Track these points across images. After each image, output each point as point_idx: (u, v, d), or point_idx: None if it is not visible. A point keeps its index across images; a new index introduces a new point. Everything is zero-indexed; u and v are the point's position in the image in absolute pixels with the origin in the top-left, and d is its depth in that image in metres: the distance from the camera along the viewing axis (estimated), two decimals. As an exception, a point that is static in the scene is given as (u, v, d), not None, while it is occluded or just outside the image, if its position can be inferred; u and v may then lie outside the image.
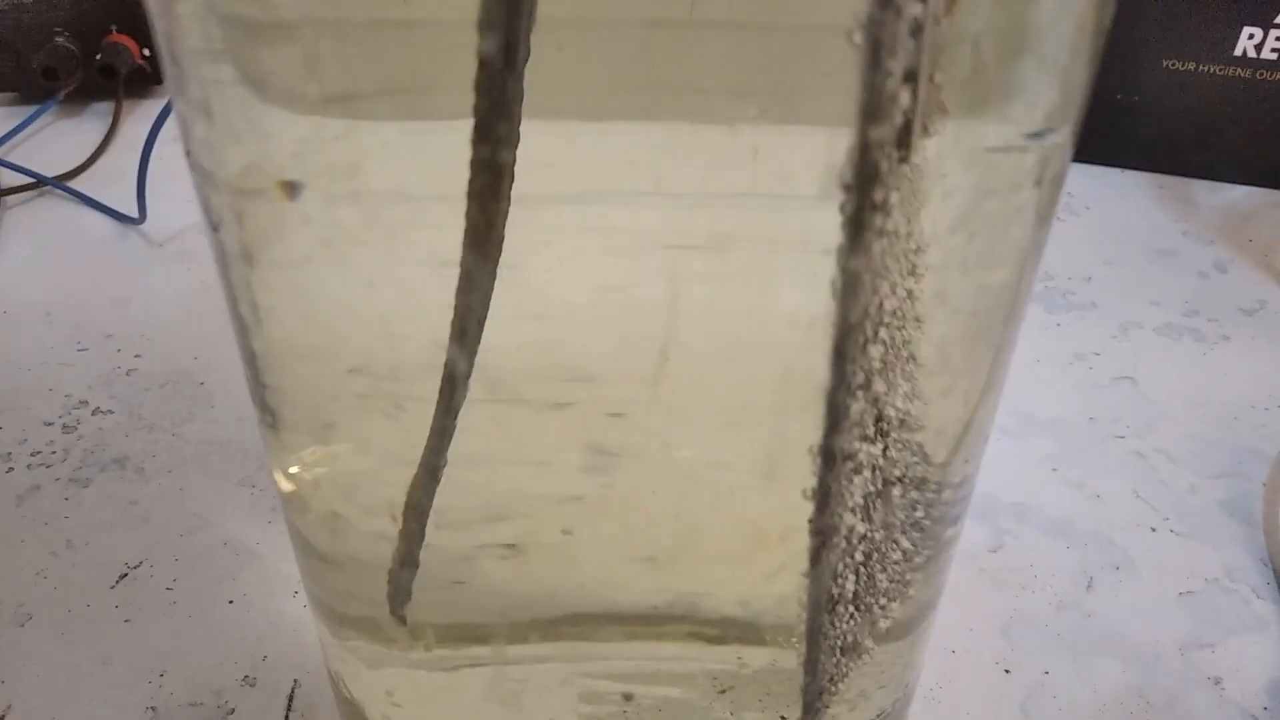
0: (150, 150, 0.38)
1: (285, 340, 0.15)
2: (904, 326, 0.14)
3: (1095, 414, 0.33)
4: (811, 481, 0.15)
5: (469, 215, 0.12)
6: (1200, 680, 0.25)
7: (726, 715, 0.19)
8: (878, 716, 0.20)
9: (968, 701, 0.25)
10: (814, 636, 0.17)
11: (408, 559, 0.17)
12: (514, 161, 0.12)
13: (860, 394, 0.15)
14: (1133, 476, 0.31)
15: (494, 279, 0.13)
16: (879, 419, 0.15)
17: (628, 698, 0.18)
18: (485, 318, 0.13)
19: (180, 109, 0.14)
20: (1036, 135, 0.14)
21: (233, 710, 0.24)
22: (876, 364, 0.14)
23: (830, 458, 0.15)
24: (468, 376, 0.14)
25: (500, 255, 0.13)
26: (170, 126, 0.39)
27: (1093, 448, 0.32)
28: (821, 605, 0.17)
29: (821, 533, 0.16)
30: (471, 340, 0.14)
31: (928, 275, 0.14)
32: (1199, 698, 0.25)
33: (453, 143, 0.12)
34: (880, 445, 0.16)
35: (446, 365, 0.14)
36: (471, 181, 0.12)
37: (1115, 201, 0.43)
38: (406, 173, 0.13)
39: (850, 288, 0.14)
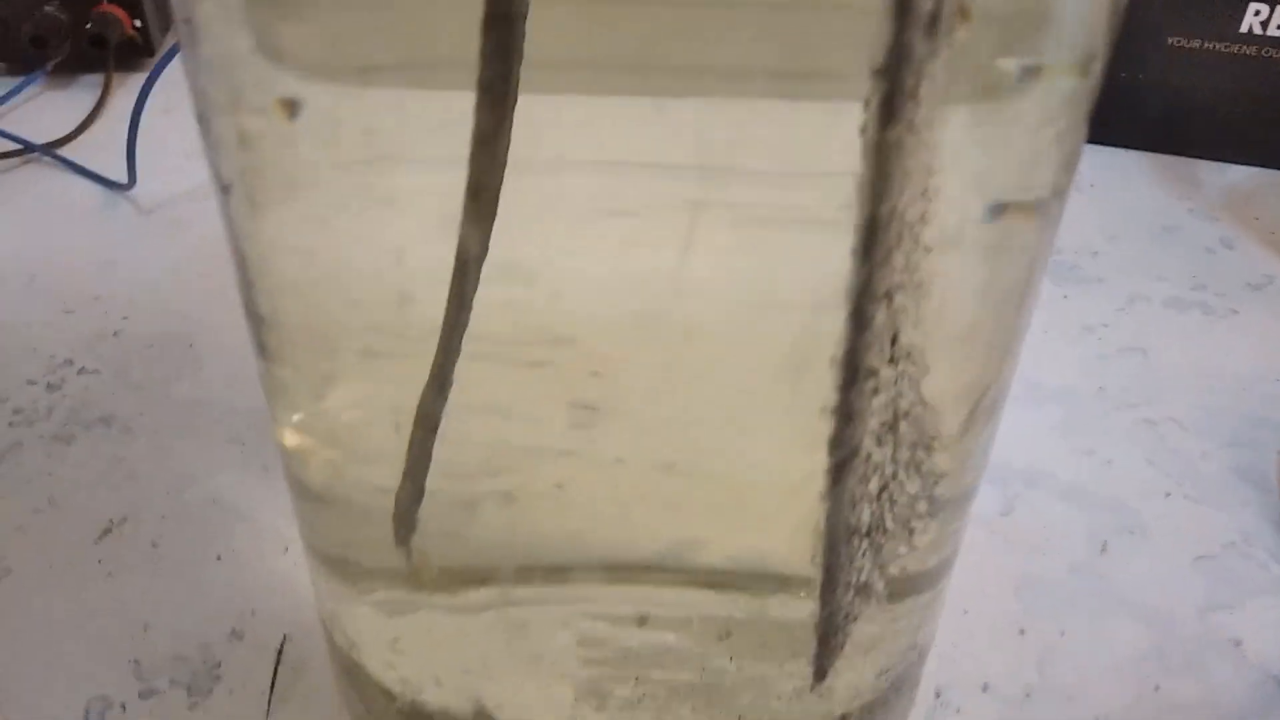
0: (140, 114, 0.37)
1: (293, 293, 0.15)
2: (919, 245, 0.14)
3: (1104, 384, 0.32)
4: (819, 407, 0.15)
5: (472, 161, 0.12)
6: (1220, 642, 0.25)
7: (726, 662, 0.18)
8: (887, 672, 0.20)
9: (983, 661, 0.24)
10: (831, 567, 0.17)
11: (413, 488, 0.16)
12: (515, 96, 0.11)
13: (884, 304, 0.14)
14: (1144, 444, 0.30)
15: (488, 232, 0.13)
16: (894, 341, 0.15)
17: (642, 622, 0.17)
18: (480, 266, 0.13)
19: (192, 68, 0.14)
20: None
21: (219, 664, 0.23)
22: (897, 276, 0.14)
23: (854, 371, 0.15)
24: (464, 326, 0.14)
25: (495, 208, 0.12)
26: (159, 95, 0.38)
27: (1103, 416, 0.31)
28: (839, 533, 0.16)
29: (841, 451, 0.15)
30: (469, 291, 0.13)
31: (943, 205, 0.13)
32: (1219, 659, 0.24)
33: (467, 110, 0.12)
34: (894, 370, 0.15)
35: (446, 314, 0.13)
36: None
37: (1119, 180, 0.43)
38: (419, 137, 0.13)
39: (881, 176, 0.13)
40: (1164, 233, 0.40)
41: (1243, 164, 0.44)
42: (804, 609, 0.18)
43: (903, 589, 0.18)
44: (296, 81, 0.13)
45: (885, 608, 0.18)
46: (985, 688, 0.23)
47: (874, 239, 0.13)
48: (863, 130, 0.12)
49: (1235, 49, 0.41)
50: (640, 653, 0.18)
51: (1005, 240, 0.15)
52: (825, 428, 0.15)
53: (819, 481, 0.16)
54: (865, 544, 0.17)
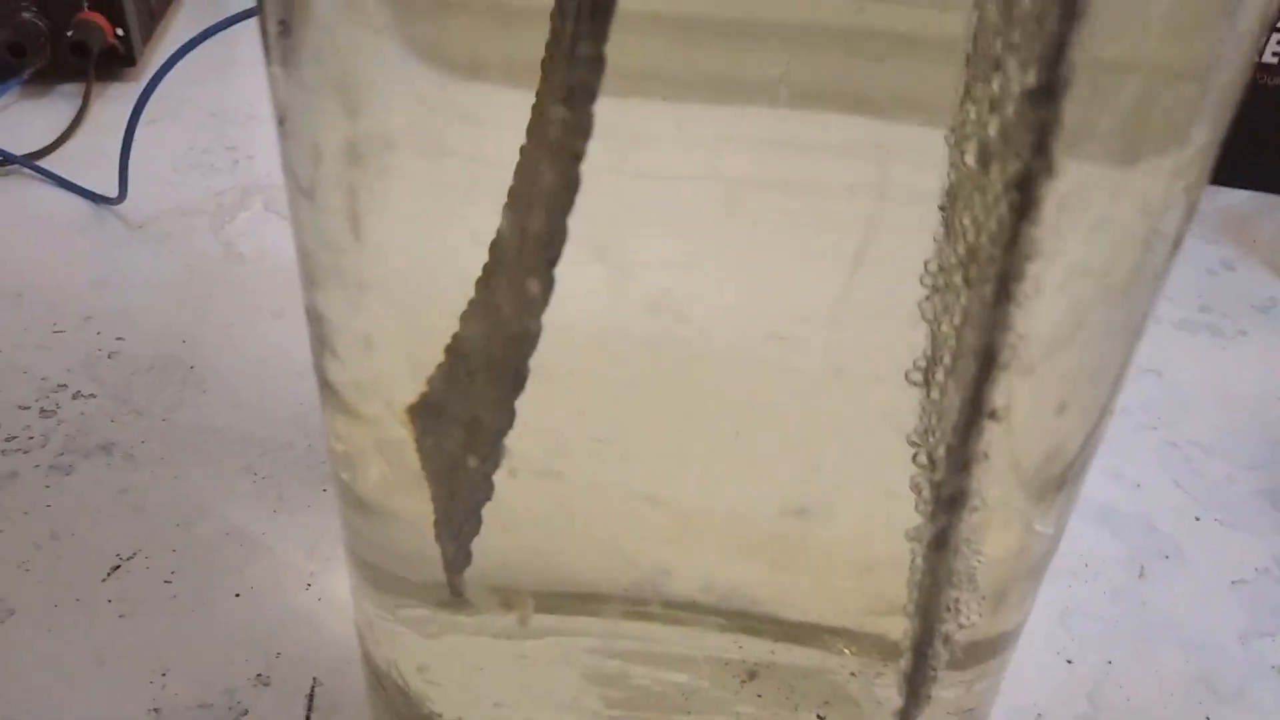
0: (135, 126, 0.36)
1: (376, 297, 0.15)
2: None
3: (1124, 404, 0.32)
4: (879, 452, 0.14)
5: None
6: (1265, 669, 0.24)
7: (757, 709, 0.18)
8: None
9: (1033, 693, 0.23)
10: (928, 617, 0.16)
11: (469, 518, 0.16)
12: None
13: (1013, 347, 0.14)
14: (1169, 466, 0.30)
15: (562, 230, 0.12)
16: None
17: (660, 661, 0.17)
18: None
19: (285, 82, 0.13)
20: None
21: (246, 711, 0.22)
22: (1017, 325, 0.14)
23: (976, 412, 0.14)
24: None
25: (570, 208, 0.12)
26: (148, 107, 0.37)
27: (1126, 438, 0.31)
28: (940, 582, 0.16)
29: (954, 499, 0.15)
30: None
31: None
32: (1266, 687, 0.24)
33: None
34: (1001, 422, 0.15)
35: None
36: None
37: (1117, 202, 0.43)
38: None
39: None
40: (1166, 254, 0.40)
41: (1237, 188, 0.44)
42: (829, 660, 0.17)
43: (981, 652, 0.18)
44: (421, 79, 0.12)
45: (962, 671, 0.18)
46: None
47: (1008, 281, 0.13)
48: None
49: (1233, 72, 0.41)
50: (663, 694, 0.17)
51: (1127, 289, 0.15)
52: (891, 476, 0.14)
53: (877, 534, 0.16)
54: (955, 594, 0.17)
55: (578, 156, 0.12)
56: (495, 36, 0.12)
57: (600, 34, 0.11)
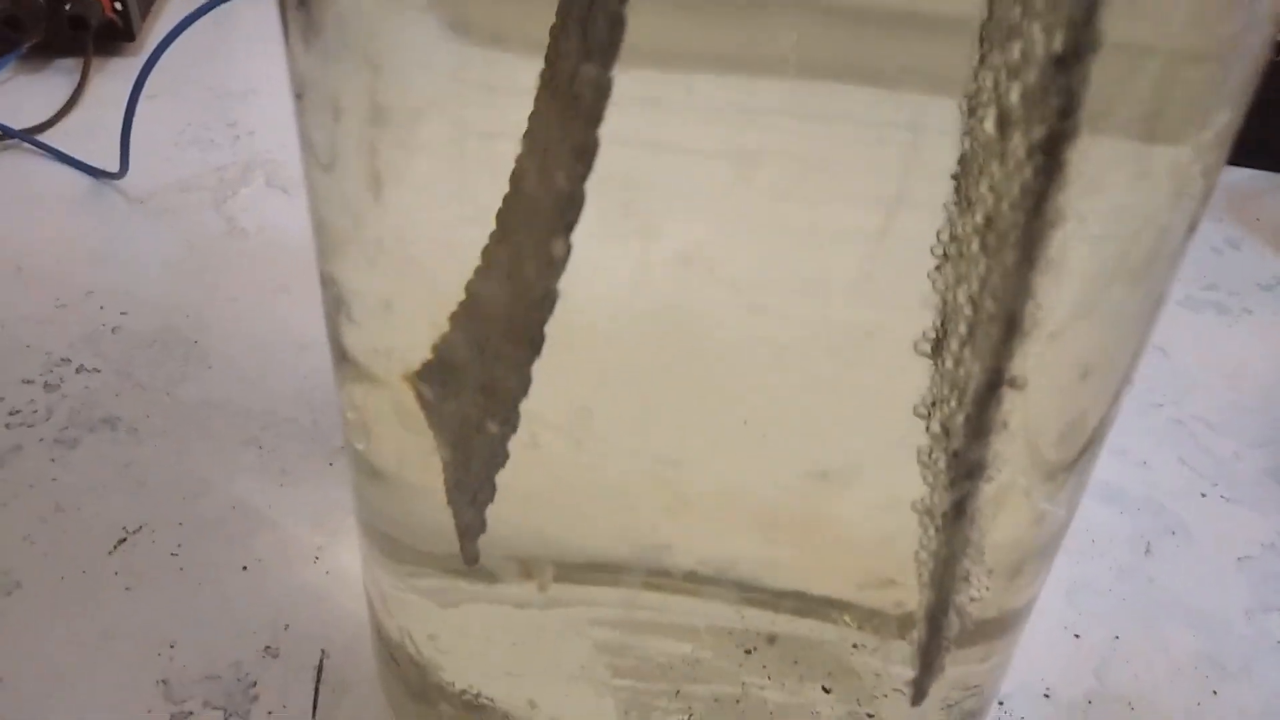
0: (136, 101, 0.36)
1: (399, 262, 0.14)
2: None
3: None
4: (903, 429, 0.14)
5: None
6: (1271, 645, 0.24)
7: (764, 679, 0.18)
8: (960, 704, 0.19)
9: (1042, 668, 0.23)
10: (943, 588, 0.16)
11: (484, 485, 0.16)
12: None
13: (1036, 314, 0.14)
14: (1176, 444, 0.30)
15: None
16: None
17: (667, 631, 0.17)
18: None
19: (305, 57, 0.13)
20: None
21: (254, 683, 0.22)
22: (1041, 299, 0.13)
23: (996, 380, 0.14)
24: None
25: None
26: (147, 83, 0.36)
27: (1132, 416, 0.31)
28: (956, 554, 0.16)
29: (972, 468, 0.15)
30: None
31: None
32: (1272, 662, 0.24)
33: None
34: (1018, 393, 0.14)
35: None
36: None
37: (1122, 181, 0.43)
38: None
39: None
40: (1171, 232, 0.40)
41: (1240, 166, 0.44)
42: (831, 631, 0.17)
43: (992, 629, 0.18)
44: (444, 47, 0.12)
45: (973, 646, 0.18)
46: (1047, 695, 0.23)
47: (1034, 243, 0.13)
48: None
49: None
50: (668, 664, 0.17)
51: (1147, 266, 0.15)
52: (900, 449, 0.14)
53: (880, 506, 0.16)
54: (970, 568, 0.17)
55: (597, 118, 0.12)
56: (521, 5, 0.12)
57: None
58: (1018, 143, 0.12)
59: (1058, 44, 0.11)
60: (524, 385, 0.14)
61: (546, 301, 0.13)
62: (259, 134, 0.39)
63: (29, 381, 0.28)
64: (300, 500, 0.25)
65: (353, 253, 0.15)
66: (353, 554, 0.23)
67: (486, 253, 0.13)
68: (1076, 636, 0.24)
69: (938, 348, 0.14)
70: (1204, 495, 0.28)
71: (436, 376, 0.15)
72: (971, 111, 0.12)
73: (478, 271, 0.13)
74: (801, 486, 0.16)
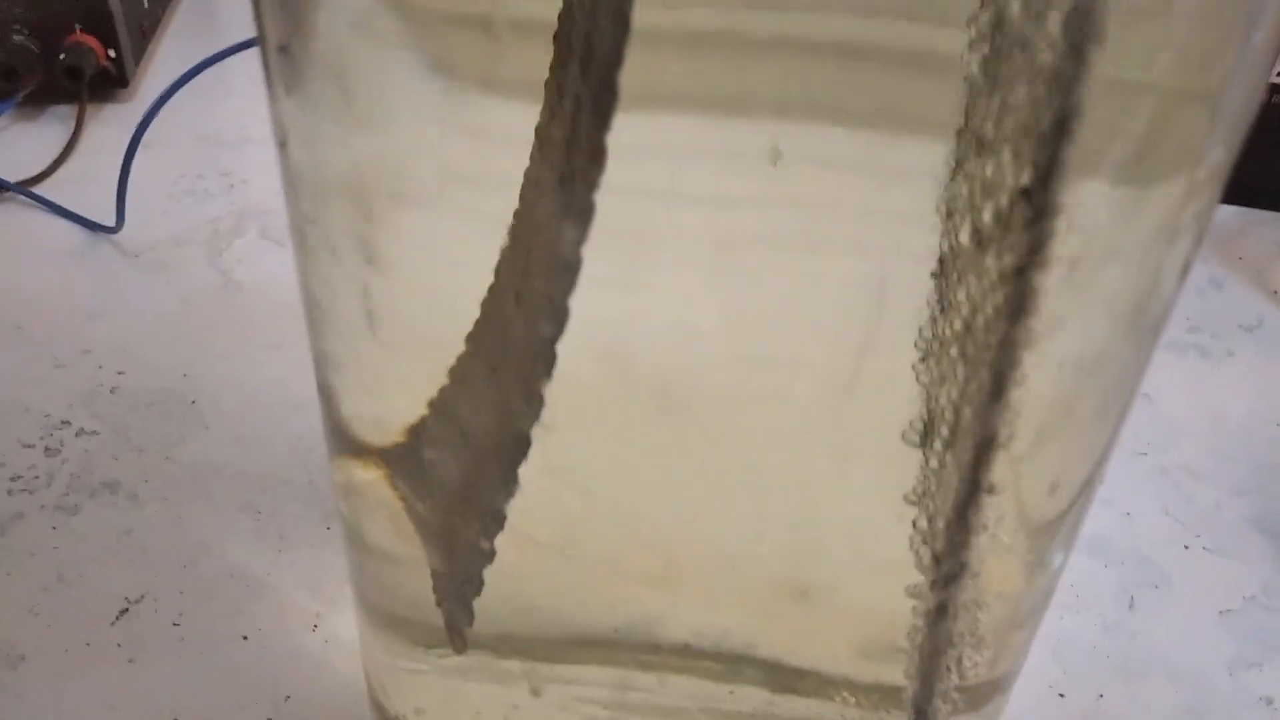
0: (134, 153, 0.36)
1: (389, 321, 0.14)
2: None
3: (1114, 431, 0.33)
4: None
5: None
6: (1252, 701, 0.25)
7: None
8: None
9: (1027, 728, 0.24)
10: (928, 675, 0.17)
11: (469, 580, 0.16)
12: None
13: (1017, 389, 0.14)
14: (1159, 493, 0.31)
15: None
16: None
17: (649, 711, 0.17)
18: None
19: (287, 103, 0.13)
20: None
21: (256, 757, 0.22)
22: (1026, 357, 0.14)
23: (988, 443, 0.14)
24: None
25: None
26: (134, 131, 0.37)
27: (1116, 465, 0.31)
28: (941, 641, 0.16)
29: (953, 573, 0.15)
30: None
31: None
32: (1255, 718, 0.25)
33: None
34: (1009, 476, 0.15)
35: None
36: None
37: (1106, 219, 0.44)
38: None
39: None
40: (1155, 273, 0.41)
41: (1223, 203, 0.45)
42: (830, 710, 0.17)
43: (978, 698, 0.18)
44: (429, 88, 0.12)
45: (960, 716, 0.18)
46: (1033, 756, 0.23)
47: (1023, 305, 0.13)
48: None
49: (1220, 92, 0.41)
50: None
51: (1135, 318, 0.15)
52: (892, 531, 0.15)
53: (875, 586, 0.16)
54: (957, 653, 0.17)
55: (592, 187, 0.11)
56: (510, 51, 0.11)
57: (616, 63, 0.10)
58: (991, 264, 0.12)
59: (1025, 177, 0.12)
60: (509, 491, 0.14)
61: (534, 406, 0.13)
62: (252, 183, 0.40)
63: (29, 446, 0.29)
64: (298, 566, 0.26)
65: (339, 317, 0.14)
66: (351, 622, 0.24)
67: (459, 369, 0.13)
68: (1061, 695, 0.25)
69: (925, 438, 0.14)
70: (1187, 547, 0.29)
71: (414, 474, 0.15)
72: (948, 216, 0.12)
73: (452, 376, 0.13)
74: (795, 553, 0.16)
